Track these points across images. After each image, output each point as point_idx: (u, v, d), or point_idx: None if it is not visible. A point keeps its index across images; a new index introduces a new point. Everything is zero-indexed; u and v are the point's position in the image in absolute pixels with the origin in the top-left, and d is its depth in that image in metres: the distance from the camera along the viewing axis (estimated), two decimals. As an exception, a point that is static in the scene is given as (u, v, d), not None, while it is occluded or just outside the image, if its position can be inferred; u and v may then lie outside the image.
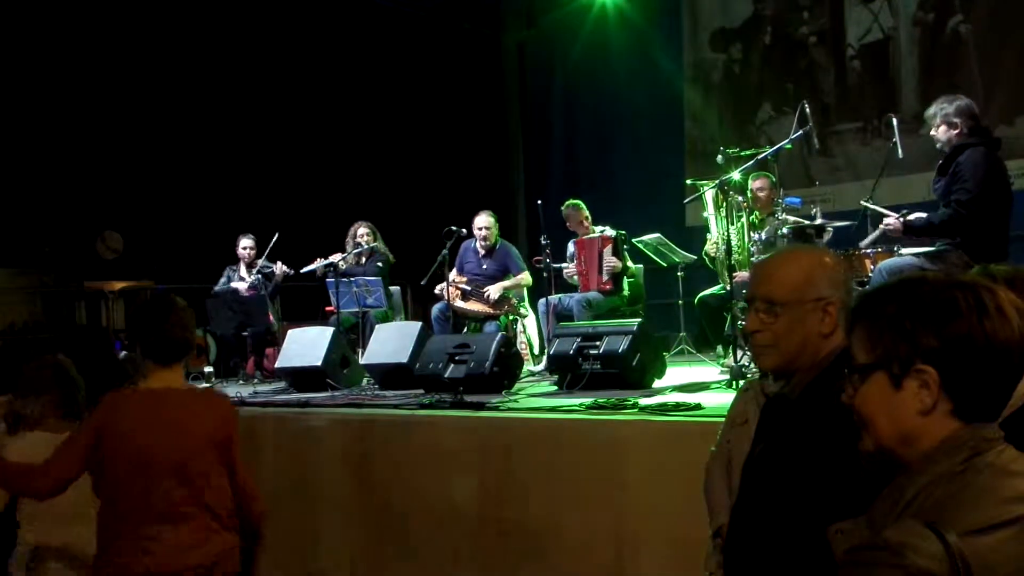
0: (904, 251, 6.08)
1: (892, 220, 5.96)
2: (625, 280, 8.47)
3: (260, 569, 3.68)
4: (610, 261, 8.31)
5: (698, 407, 4.97)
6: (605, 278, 8.30)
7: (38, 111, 11.14)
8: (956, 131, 5.89)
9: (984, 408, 1.69)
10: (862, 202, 6.55)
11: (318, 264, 9.26)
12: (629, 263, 8.57)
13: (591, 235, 8.57)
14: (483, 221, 8.91)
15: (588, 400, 5.47)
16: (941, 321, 1.65)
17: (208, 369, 9.53)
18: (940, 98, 6.07)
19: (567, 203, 8.85)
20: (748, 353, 5.84)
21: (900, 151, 6.51)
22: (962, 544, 1.50)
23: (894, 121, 6.64)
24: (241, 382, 9.16)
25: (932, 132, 6.00)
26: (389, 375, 7.42)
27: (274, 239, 9.82)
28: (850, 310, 1.84)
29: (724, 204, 7.29)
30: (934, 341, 1.65)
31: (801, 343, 2.35)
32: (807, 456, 2.21)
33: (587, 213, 8.76)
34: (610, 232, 8.47)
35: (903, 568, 1.51)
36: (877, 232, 6.14)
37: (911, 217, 5.95)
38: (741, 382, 5.42)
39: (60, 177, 11.36)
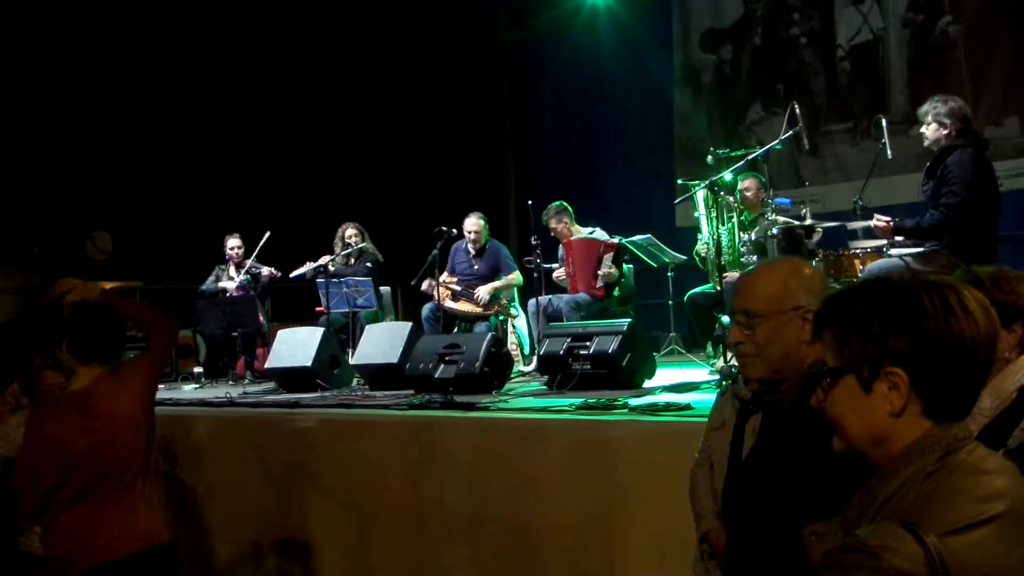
0: (892, 252, 6.10)
1: (882, 222, 5.99)
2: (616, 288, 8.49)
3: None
4: (607, 269, 8.30)
5: (688, 407, 4.97)
6: (599, 284, 8.29)
7: (28, 112, 11.11)
8: (945, 132, 5.91)
9: (953, 407, 1.70)
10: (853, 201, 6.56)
11: (307, 268, 9.26)
12: (623, 268, 8.57)
13: (580, 236, 8.57)
14: (472, 223, 8.91)
15: (578, 400, 5.47)
16: (908, 322, 1.66)
17: (198, 370, 9.54)
18: (935, 97, 6.08)
19: (548, 208, 8.83)
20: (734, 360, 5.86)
21: (889, 152, 6.52)
22: (940, 545, 1.50)
23: (883, 122, 6.64)
24: (231, 382, 9.15)
25: (922, 129, 6.03)
26: (379, 375, 7.41)
27: (264, 239, 9.81)
28: (816, 314, 1.84)
29: (714, 204, 7.30)
30: (902, 342, 1.66)
31: (783, 352, 2.44)
32: (801, 460, 2.24)
33: (555, 219, 8.75)
34: (603, 236, 8.48)
35: (882, 571, 1.51)
36: (865, 223, 6.17)
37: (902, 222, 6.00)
38: (729, 383, 5.43)
39: (50, 177, 11.34)
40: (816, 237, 6.70)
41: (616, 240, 8.45)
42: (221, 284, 9.99)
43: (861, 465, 1.76)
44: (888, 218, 6.02)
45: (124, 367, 3.91)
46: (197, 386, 9.08)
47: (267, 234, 9.80)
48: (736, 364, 5.95)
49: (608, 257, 8.33)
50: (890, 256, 6.03)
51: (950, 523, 1.53)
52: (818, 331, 1.80)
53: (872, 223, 6.06)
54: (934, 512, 1.55)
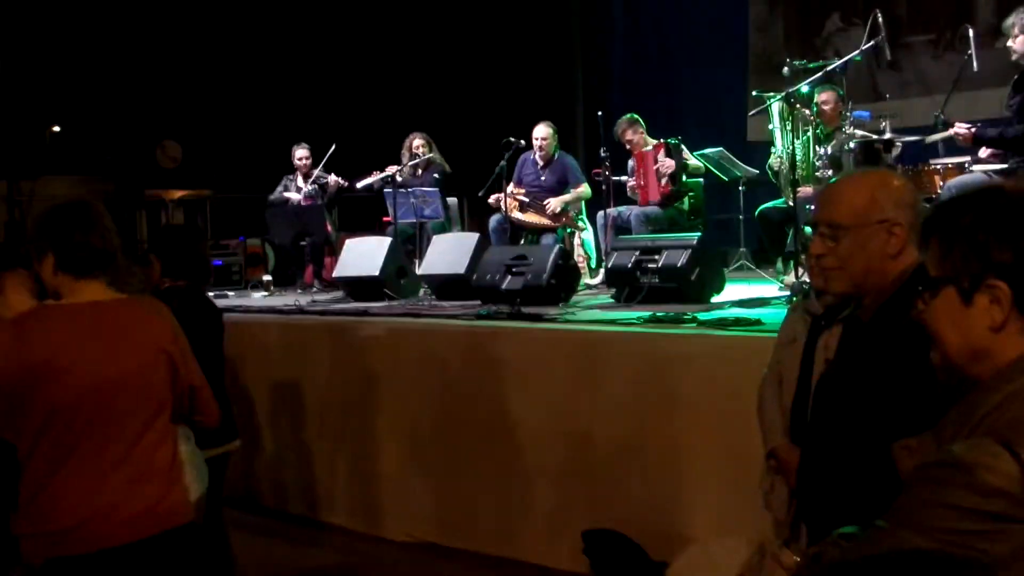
0: (975, 168, 5.92)
1: (963, 129, 5.82)
2: (686, 187, 8.39)
3: None
4: (664, 164, 8.22)
5: (757, 323, 4.91)
6: (663, 182, 8.22)
7: (98, 22, 11.18)
8: None
9: None
10: (933, 115, 6.37)
11: (375, 178, 9.26)
12: (691, 160, 8.42)
13: (646, 147, 8.49)
14: (541, 132, 8.80)
15: (646, 314, 5.42)
16: (1016, 235, 1.60)
17: (267, 278, 9.64)
18: (1021, 8, 5.83)
19: (620, 120, 8.73)
20: (807, 273, 5.79)
21: (975, 64, 6.30)
22: None
23: (970, 32, 6.41)
24: (299, 291, 9.24)
25: (1009, 43, 5.79)
26: (446, 286, 7.42)
27: (330, 151, 9.82)
28: (923, 222, 1.78)
29: (790, 117, 7.15)
30: (1008, 255, 1.59)
31: (866, 265, 2.34)
32: (883, 376, 2.19)
33: (631, 131, 8.64)
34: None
35: (976, 486, 1.47)
36: (945, 135, 6.00)
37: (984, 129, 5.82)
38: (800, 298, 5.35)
39: (121, 85, 11.44)
40: (895, 152, 6.53)
41: (661, 141, 8.37)
42: (288, 194, 10.05)
43: (949, 381, 1.71)
44: (969, 125, 5.84)
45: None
46: (266, 294, 9.18)
47: (332, 147, 9.80)
48: (807, 280, 5.89)
49: (661, 154, 8.27)
50: (972, 171, 5.86)
51: None
52: (925, 239, 1.73)
53: (953, 131, 5.89)
54: None
